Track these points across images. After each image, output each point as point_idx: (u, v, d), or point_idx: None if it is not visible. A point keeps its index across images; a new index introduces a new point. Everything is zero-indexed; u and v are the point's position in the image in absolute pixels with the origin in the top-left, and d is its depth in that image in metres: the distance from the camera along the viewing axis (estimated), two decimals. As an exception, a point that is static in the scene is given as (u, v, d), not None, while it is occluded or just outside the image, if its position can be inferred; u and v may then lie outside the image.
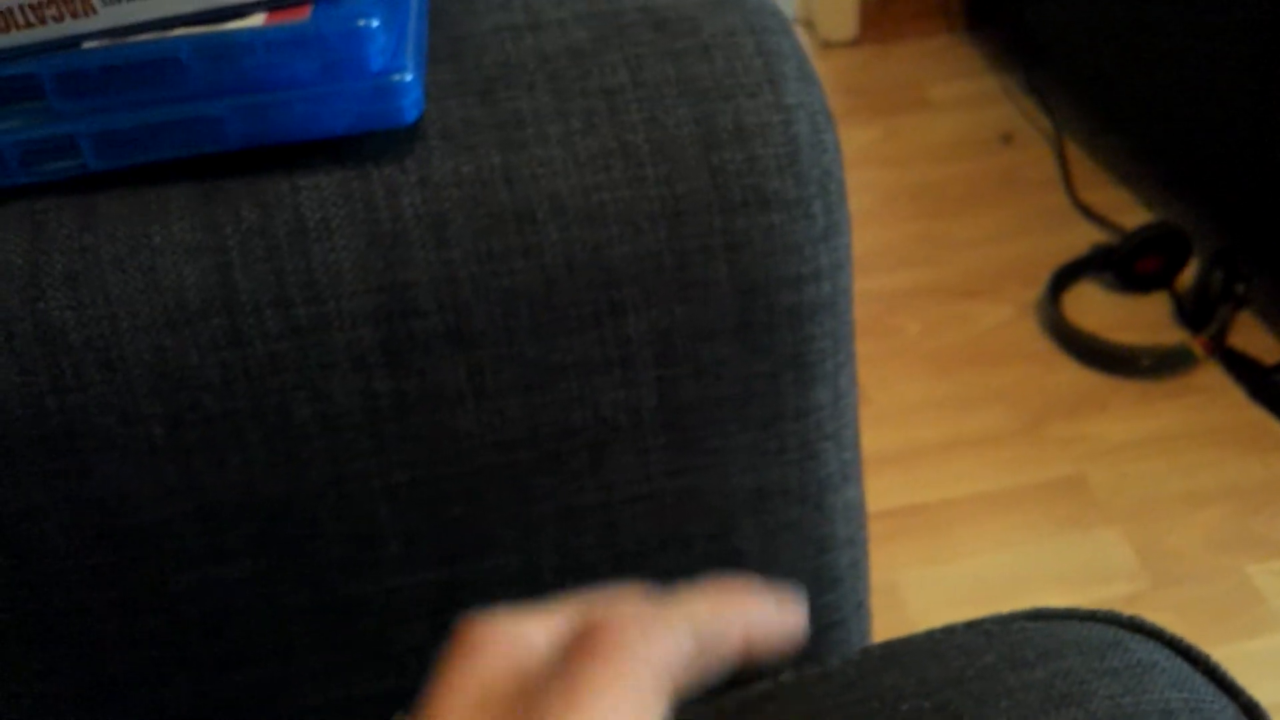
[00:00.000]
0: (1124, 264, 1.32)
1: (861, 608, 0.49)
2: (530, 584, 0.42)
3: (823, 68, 1.74)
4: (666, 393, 0.40)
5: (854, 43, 1.79)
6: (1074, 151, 1.54)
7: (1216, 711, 0.38)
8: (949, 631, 0.42)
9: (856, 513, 0.47)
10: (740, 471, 0.42)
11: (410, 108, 0.36)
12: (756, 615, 0.26)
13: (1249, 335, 1.27)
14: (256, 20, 0.35)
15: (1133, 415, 1.21)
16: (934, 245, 1.43)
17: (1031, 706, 0.38)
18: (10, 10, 0.35)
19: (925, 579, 1.08)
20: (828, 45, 1.79)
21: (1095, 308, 1.32)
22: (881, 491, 1.15)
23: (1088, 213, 1.44)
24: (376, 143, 0.37)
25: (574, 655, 0.23)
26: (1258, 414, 1.20)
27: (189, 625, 0.41)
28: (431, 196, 0.37)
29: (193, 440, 0.38)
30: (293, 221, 0.37)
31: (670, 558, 0.43)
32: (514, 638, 0.25)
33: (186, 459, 0.38)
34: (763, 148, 0.38)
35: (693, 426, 0.41)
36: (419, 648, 0.43)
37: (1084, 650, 0.40)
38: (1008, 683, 0.39)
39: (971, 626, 0.42)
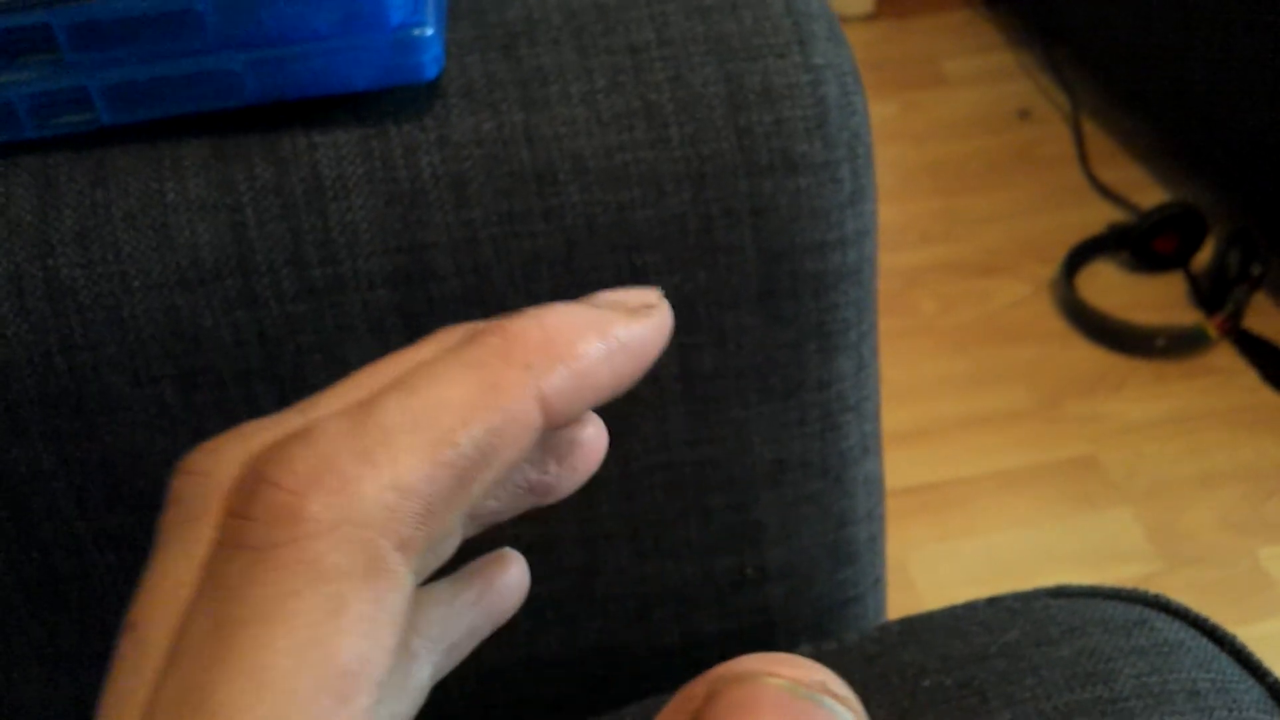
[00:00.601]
0: (1140, 243, 1.31)
1: (879, 584, 0.49)
2: (549, 553, 0.42)
3: (838, 42, 1.72)
4: (687, 361, 0.40)
5: (871, 17, 1.77)
6: (1091, 128, 1.52)
7: (1243, 692, 0.37)
8: (970, 608, 0.41)
9: (876, 487, 0.47)
10: (761, 442, 0.41)
11: (430, 63, 0.35)
12: (561, 376, 0.19)
13: (1265, 317, 1.26)
14: (274, -29, 0.34)
15: (1147, 395, 1.20)
16: (950, 221, 1.42)
17: (1057, 684, 0.37)
18: (22, -42, 0.34)
19: (935, 557, 1.07)
20: (844, 20, 1.77)
21: (1111, 287, 1.31)
22: (893, 469, 1.14)
23: (1104, 191, 1.43)
24: (395, 99, 0.37)
25: (225, 543, 0.17)
26: (1272, 396, 1.19)
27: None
28: (451, 155, 0.36)
29: (205, 402, 0.37)
30: (309, 179, 0.36)
31: (689, 529, 0.42)
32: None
33: (198, 421, 0.38)
34: (791, 109, 0.37)
35: (713, 396, 0.40)
36: (432, 616, 0.42)
37: (1109, 628, 0.39)
38: (1032, 660, 0.38)
39: (993, 603, 0.42)
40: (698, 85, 0.37)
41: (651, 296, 0.21)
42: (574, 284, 0.38)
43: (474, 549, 0.25)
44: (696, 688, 0.16)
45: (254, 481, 0.17)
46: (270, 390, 0.37)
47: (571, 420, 0.20)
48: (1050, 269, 1.34)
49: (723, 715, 0.16)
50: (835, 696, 0.16)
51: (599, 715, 0.41)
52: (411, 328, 0.37)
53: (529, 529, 0.41)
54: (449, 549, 0.21)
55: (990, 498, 1.13)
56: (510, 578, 0.25)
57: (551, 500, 0.24)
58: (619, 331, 0.21)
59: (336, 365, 0.37)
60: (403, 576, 0.17)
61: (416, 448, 0.17)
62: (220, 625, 0.16)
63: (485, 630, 0.25)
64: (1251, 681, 0.38)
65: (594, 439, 0.24)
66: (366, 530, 0.16)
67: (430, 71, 0.35)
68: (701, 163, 0.37)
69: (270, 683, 0.15)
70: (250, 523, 0.16)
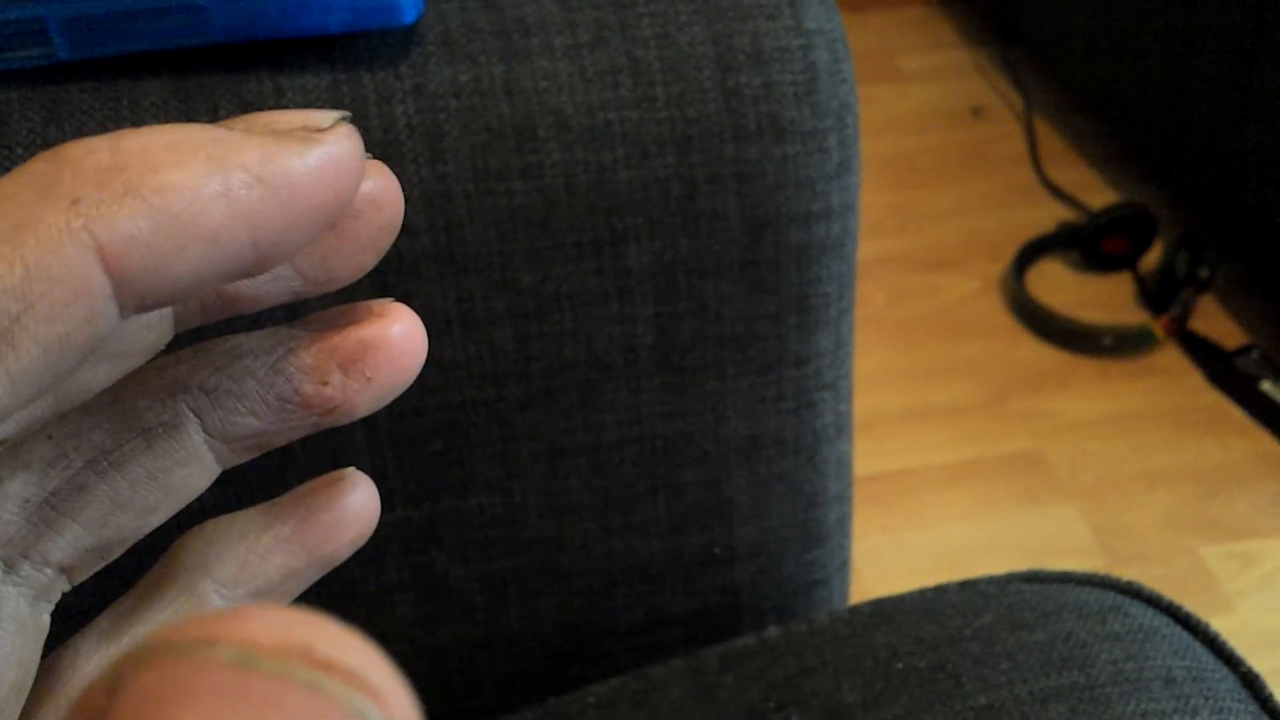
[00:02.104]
0: (1089, 243, 1.32)
1: (845, 566, 0.48)
2: (512, 525, 0.40)
3: (795, 32, 1.72)
4: (664, 330, 0.38)
5: (827, 9, 1.77)
6: (1043, 128, 1.53)
7: (1218, 680, 0.37)
8: (942, 591, 0.41)
9: (847, 469, 0.46)
10: (736, 417, 0.40)
11: (409, 7, 0.33)
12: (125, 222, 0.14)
13: (1211, 319, 1.27)
14: (247, -98, 0.32)
15: (1093, 394, 1.21)
16: (902, 216, 1.42)
17: (1032, 669, 0.36)
18: (-25, -125, 0.32)
19: (880, 548, 1.07)
20: (800, 10, 1.77)
21: (1059, 285, 1.32)
22: (841, 459, 1.14)
23: (1055, 190, 1.44)
24: (370, 45, 0.35)
25: None
26: (1216, 397, 1.20)
27: (150, 558, 0.38)
28: (427, 106, 0.35)
29: (158, 357, 0.35)
30: (277, 125, 0.34)
31: (658, 504, 0.41)
32: None
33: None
34: (780, 73, 0.36)
35: (689, 368, 0.39)
36: (391, 588, 0.40)
37: (1084, 614, 0.39)
38: (1007, 644, 0.37)
39: (966, 587, 0.41)
40: (685, 44, 0.36)
41: (319, 118, 0.15)
42: (550, 245, 0.36)
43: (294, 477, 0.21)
44: (100, 679, 0.10)
45: None
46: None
47: (185, 294, 0.14)
48: (1000, 266, 1.34)
49: (131, 713, 0.09)
50: (325, 668, 0.10)
51: (558, 695, 0.40)
52: (379, 285, 0.35)
53: (494, 499, 0.40)
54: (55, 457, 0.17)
55: (935, 491, 1.13)
56: (345, 507, 0.20)
57: (342, 419, 0.19)
58: (249, 159, 0.14)
59: (300, 322, 0.35)
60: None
61: None
62: None
63: (309, 573, 0.20)
64: (1226, 670, 0.38)
65: (397, 339, 0.18)
66: None
67: (408, 15, 0.34)
68: (687, 125, 0.36)
69: None
70: None
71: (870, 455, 1.15)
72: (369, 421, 0.37)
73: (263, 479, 0.38)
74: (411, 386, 0.38)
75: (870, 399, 1.20)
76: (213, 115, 0.34)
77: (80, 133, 0.34)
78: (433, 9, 0.36)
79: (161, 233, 0.14)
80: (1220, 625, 1.04)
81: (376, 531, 0.40)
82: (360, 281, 0.35)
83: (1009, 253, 1.34)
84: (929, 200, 1.44)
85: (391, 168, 0.34)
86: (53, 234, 0.13)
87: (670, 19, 0.36)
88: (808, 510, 0.44)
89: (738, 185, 0.37)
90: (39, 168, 0.14)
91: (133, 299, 0.14)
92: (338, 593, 0.40)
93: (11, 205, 0.13)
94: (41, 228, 0.13)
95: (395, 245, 0.35)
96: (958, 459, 1.15)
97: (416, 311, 0.35)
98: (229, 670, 0.09)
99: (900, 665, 0.37)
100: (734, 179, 0.37)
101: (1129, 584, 0.41)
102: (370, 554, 0.40)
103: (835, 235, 0.39)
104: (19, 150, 0.34)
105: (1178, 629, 0.39)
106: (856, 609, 0.41)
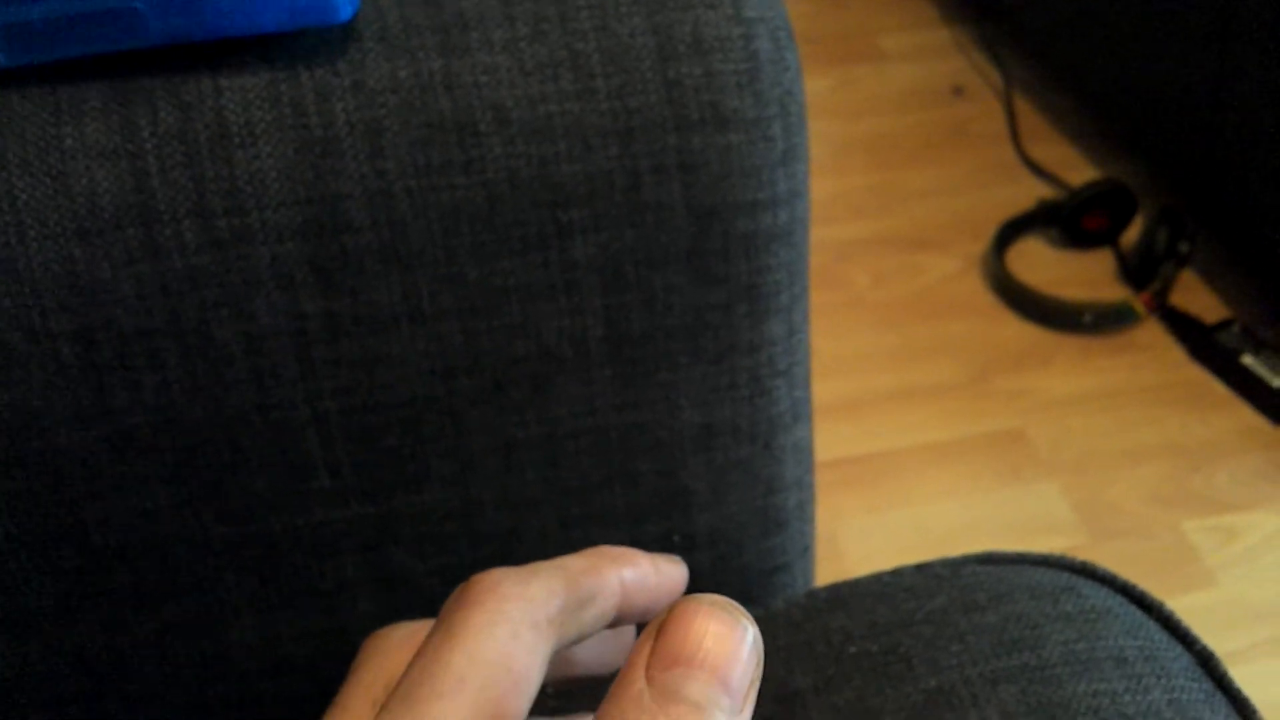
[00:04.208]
0: (1070, 220, 1.32)
1: (807, 552, 0.48)
2: (468, 519, 0.40)
3: (775, 14, 1.71)
4: (614, 321, 0.38)
5: (807, -10, 1.76)
6: (1023, 106, 1.53)
7: (1171, 660, 0.37)
8: (897, 574, 0.41)
9: (805, 454, 0.46)
10: (689, 406, 0.40)
11: (345, 4, 0.33)
12: (632, 571, 0.28)
13: (1191, 294, 1.28)
14: (178, -97, 0.32)
15: (1075, 371, 1.21)
16: (883, 196, 1.42)
17: (984, 650, 0.36)
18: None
19: (864, 528, 1.08)
20: (780, -8, 1.76)
21: (1040, 263, 1.32)
22: (823, 441, 1.14)
23: (1036, 168, 1.44)
24: (307, 43, 0.35)
25: (449, 607, 0.25)
26: (1198, 372, 1.21)
27: (102, 557, 0.38)
28: (366, 102, 0.35)
29: (105, 360, 0.35)
30: (214, 125, 0.34)
31: (615, 495, 0.41)
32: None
33: (98, 379, 0.36)
34: (722, 63, 0.36)
35: (641, 358, 0.39)
36: (350, 584, 0.40)
37: (1036, 595, 0.39)
38: (959, 626, 0.37)
39: (921, 569, 0.41)
40: (625, 35, 0.36)
41: (676, 559, 0.30)
42: (495, 239, 0.36)
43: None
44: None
45: (470, 580, 0.26)
46: (174, 347, 0.36)
47: (634, 613, 0.28)
48: (981, 245, 1.34)
49: (675, 613, 0.21)
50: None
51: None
52: (323, 282, 0.35)
53: (449, 494, 0.40)
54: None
55: (919, 470, 1.13)
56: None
57: None
58: (661, 563, 0.29)
59: (243, 321, 0.35)
60: (548, 637, 0.25)
61: (559, 578, 0.26)
62: (448, 636, 0.24)
63: None
64: (1180, 649, 0.38)
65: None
66: (532, 604, 0.25)
67: (345, 13, 0.33)
68: (629, 116, 0.36)
69: (481, 663, 0.23)
70: (466, 592, 0.25)
71: (854, 437, 1.15)
72: (321, 421, 0.38)
73: (218, 477, 0.38)
74: (362, 382, 0.38)
75: (853, 380, 1.20)
76: (152, 116, 0.34)
77: (21, 138, 0.34)
78: (370, 5, 0.36)
79: (638, 582, 0.28)
80: (1203, 599, 1.04)
81: (332, 528, 0.40)
82: (306, 278, 0.35)
83: (990, 231, 1.34)
84: (910, 180, 1.44)
85: (331, 165, 0.35)
86: (609, 569, 0.28)
87: (609, 10, 0.36)
88: (766, 496, 0.44)
89: (682, 175, 0.37)
90: (595, 549, 0.29)
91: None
92: (296, 589, 0.40)
93: (593, 558, 0.28)
94: (604, 568, 0.28)
95: (339, 241, 0.35)
96: (941, 438, 1.16)
97: (361, 309, 0.36)
98: (719, 604, 0.22)
99: (853, 649, 0.37)
100: (678, 169, 0.37)
101: (1083, 564, 0.41)
102: (328, 550, 0.40)
103: (783, 223, 0.39)
104: (-42, 156, 0.34)
105: (1132, 608, 0.39)
106: (813, 593, 0.41)
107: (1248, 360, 1.19)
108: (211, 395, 0.36)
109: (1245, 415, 1.16)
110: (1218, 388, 1.19)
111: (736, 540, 0.44)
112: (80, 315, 0.35)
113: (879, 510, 1.10)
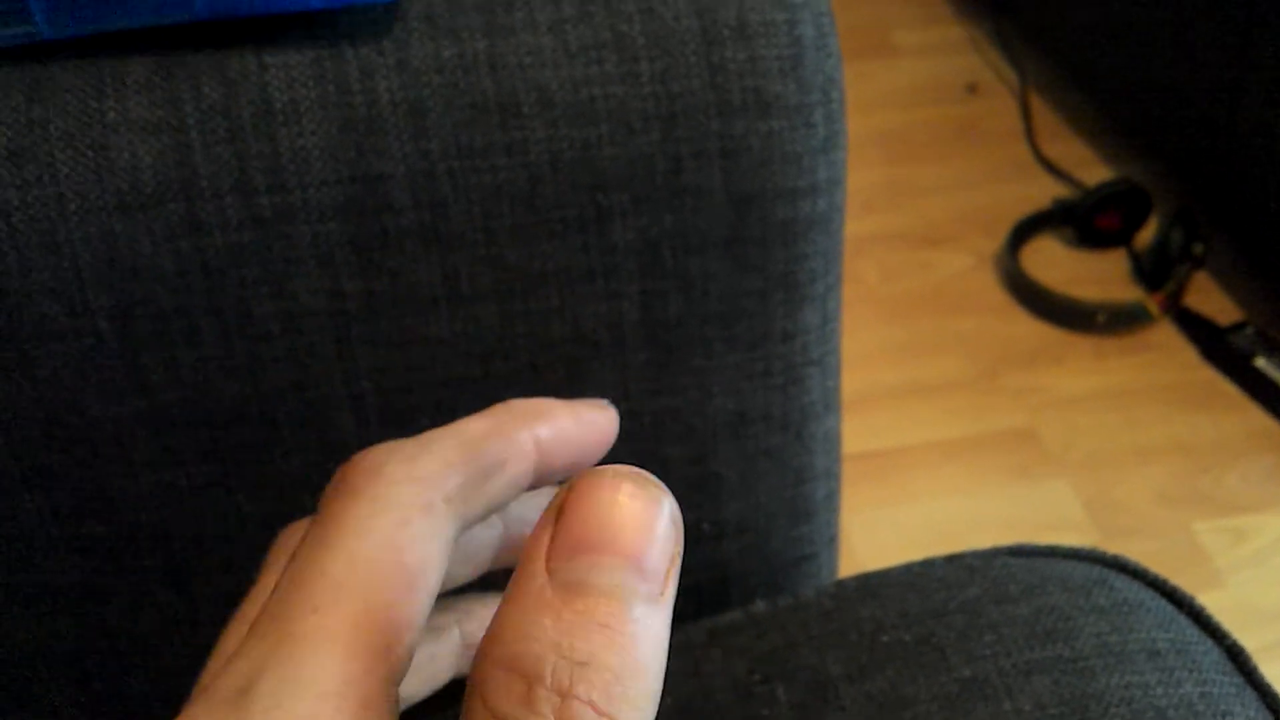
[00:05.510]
0: (1084, 219, 1.32)
1: (834, 542, 0.48)
2: (499, 502, 0.40)
3: (789, 8, 1.71)
4: (650, 307, 0.38)
5: (821, -15, 1.76)
6: (1038, 104, 1.53)
7: (1202, 654, 0.37)
8: (928, 565, 0.41)
9: (835, 444, 0.46)
10: (723, 394, 0.40)
11: (392, -17, 0.33)
12: (547, 427, 0.25)
13: (1205, 295, 1.28)
14: (227, -123, 0.32)
15: (1086, 370, 1.21)
16: (896, 192, 1.41)
17: (1016, 641, 0.36)
18: None
19: (873, 523, 1.08)
20: (795, -14, 1.76)
21: (1054, 262, 1.32)
22: (835, 436, 1.14)
23: (1050, 166, 1.43)
24: (353, 21, 0.35)
25: (326, 498, 0.22)
26: (1210, 374, 1.20)
27: (135, 534, 0.38)
28: (410, 82, 0.35)
29: (143, 335, 0.35)
30: (259, 101, 0.34)
31: (645, 480, 0.41)
32: None
33: (136, 356, 0.36)
34: (765, 48, 0.36)
35: (676, 344, 0.39)
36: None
37: (1069, 587, 0.39)
38: (991, 617, 0.37)
39: (952, 560, 0.41)
40: (669, 19, 0.36)
41: (601, 403, 0.27)
42: (535, 222, 0.36)
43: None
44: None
45: (348, 462, 0.23)
46: (213, 324, 0.35)
47: (556, 471, 0.25)
48: (994, 242, 1.34)
49: (576, 491, 0.19)
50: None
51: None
52: (364, 262, 0.35)
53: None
54: (463, 572, 0.28)
55: (929, 466, 1.13)
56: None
57: None
58: (582, 412, 0.26)
59: (284, 300, 0.35)
60: (448, 518, 0.22)
61: (455, 448, 0.23)
62: (323, 536, 0.21)
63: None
64: (1210, 643, 0.38)
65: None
66: (423, 484, 0.22)
67: (391, -9, 0.33)
68: (672, 100, 0.36)
69: (363, 562, 0.20)
70: (344, 479, 0.22)
71: (864, 432, 1.15)
72: (357, 401, 0.38)
73: (252, 455, 0.38)
74: (398, 363, 0.38)
75: (863, 375, 1.20)
76: (196, 92, 0.34)
77: (64, 111, 0.34)
78: (416, -15, 0.35)
79: (556, 439, 0.25)
80: (1211, 600, 1.05)
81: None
82: (347, 258, 0.35)
83: (1003, 229, 1.34)
84: (923, 176, 1.44)
85: (374, 144, 0.35)
86: (519, 430, 0.25)
87: (654, -6, 0.36)
88: (795, 486, 0.44)
89: (723, 161, 0.37)
90: (503, 406, 0.26)
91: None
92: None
93: (498, 418, 0.25)
94: (514, 428, 0.25)
95: (380, 221, 0.35)
96: (951, 435, 1.16)
97: (400, 289, 0.36)
98: (633, 472, 0.19)
99: (885, 638, 0.37)
100: (719, 155, 0.36)
101: (1114, 557, 0.41)
102: (358, 531, 0.40)
103: (821, 211, 0.39)
104: (2, 129, 0.33)
105: (1163, 602, 0.39)
106: (843, 583, 0.41)
107: (1260, 363, 1.19)
108: (248, 373, 0.36)
109: (1257, 417, 1.16)
110: (1230, 389, 1.19)
111: (765, 529, 0.44)
112: (119, 290, 0.35)
113: (889, 505, 1.10)
